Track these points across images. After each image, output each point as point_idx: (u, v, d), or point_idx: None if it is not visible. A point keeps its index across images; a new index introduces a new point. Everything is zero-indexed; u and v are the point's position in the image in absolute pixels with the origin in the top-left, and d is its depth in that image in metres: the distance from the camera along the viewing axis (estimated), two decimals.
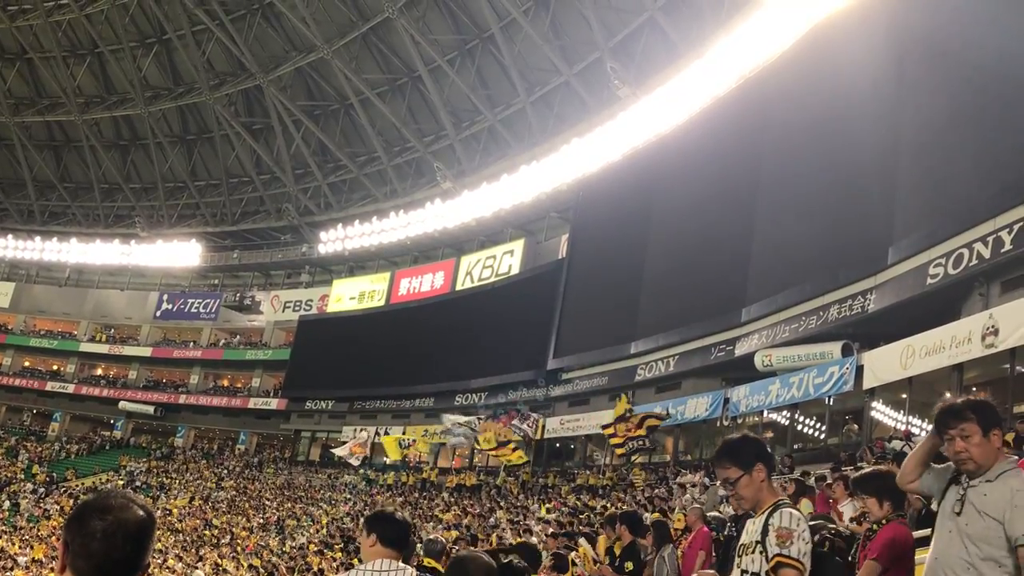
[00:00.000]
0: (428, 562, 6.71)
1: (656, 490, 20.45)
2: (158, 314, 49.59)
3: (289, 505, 33.47)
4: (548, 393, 31.04)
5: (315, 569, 23.58)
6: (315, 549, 26.00)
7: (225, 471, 40.21)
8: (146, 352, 48.12)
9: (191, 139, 48.77)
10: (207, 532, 31.91)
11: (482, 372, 33.68)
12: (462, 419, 30.01)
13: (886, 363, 17.81)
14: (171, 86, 46.81)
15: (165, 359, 48.32)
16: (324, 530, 28.77)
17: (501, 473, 29.49)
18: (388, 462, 34.72)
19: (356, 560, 18.31)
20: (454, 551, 10.31)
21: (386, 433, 34.68)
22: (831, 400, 20.17)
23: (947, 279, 16.66)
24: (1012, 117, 16.01)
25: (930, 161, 17.96)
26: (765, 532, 3.41)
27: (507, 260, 36.73)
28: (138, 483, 39.03)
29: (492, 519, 22.88)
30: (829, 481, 11.19)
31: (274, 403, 43.17)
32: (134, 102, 46.99)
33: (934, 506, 3.76)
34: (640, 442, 22.98)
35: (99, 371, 50.19)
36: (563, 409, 30.34)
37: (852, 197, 19.73)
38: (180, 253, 48.60)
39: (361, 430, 37.14)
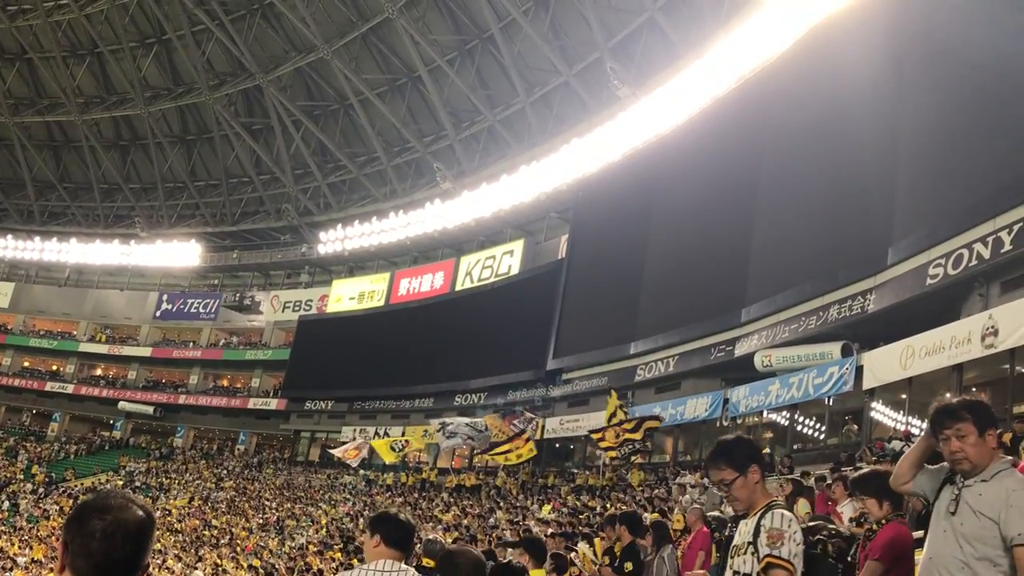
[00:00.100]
0: (427, 562, 6.70)
1: (655, 490, 20.46)
2: (158, 314, 49.59)
3: (289, 505, 33.46)
4: (548, 393, 31.04)
5: (314, 569, 23.57)
6: (314, 549, 26.00)
7: (225, 471, 40.20)
8: (146, 352, 48.13)
9: (191, 139, 48.78)
10: (206, 532, 31.90)
11: (482, 372, 33.69)
12: (465, 420, 29.93)
13: (886, 363, 17.81)
14: (171, 86, 46.83)
15: (165, 359, 48.33)
16: (324, 530, 28.75)
17: (500, 473, 29.48)
18: (388, 463, 34.69)
19: (355, 560, 18.31)
20: None
21: (385, 434, 34.64)
22: (831, 400, 20.18)
23: (947, 279, 16.66)
24: (1011, 117, 16.01)
25: (929, 161, 17.97)
26: (757, 533, 3.43)
27: (507, 260, 36.74)
28: (137, 483, 39.01)
29: (492, 519, 22.89)
30: (829, 482, 11.18)
31: (274, 403, 43.17)
32: (134, 102, 47.00)
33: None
34: (635, 445, 23.03)
35: (98, 371, 50.19)
36: (563, 409, 30.34)
37: (852, 197, 19.73)
38: (180, 253, 48.61)
39: (361, 430, 37.15)
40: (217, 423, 45.74)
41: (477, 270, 37.87)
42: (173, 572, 27.72)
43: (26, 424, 49.19)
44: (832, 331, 19.77)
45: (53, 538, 31.76)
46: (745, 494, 3.54)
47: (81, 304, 51.22)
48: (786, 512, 3.47)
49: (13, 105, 49.85)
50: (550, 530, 15.84)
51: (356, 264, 45.15)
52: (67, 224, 52.88)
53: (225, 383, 47.74)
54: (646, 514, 13.71)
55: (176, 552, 29.60)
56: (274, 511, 33.05)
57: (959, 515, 3.23)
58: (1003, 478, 3.21)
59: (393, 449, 30.80)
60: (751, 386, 21.93)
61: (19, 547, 32.53)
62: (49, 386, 48.43)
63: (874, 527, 4.93)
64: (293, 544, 28.24)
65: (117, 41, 45.55)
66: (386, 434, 35.25)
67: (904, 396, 18.23)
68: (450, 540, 17.56)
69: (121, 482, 39.46)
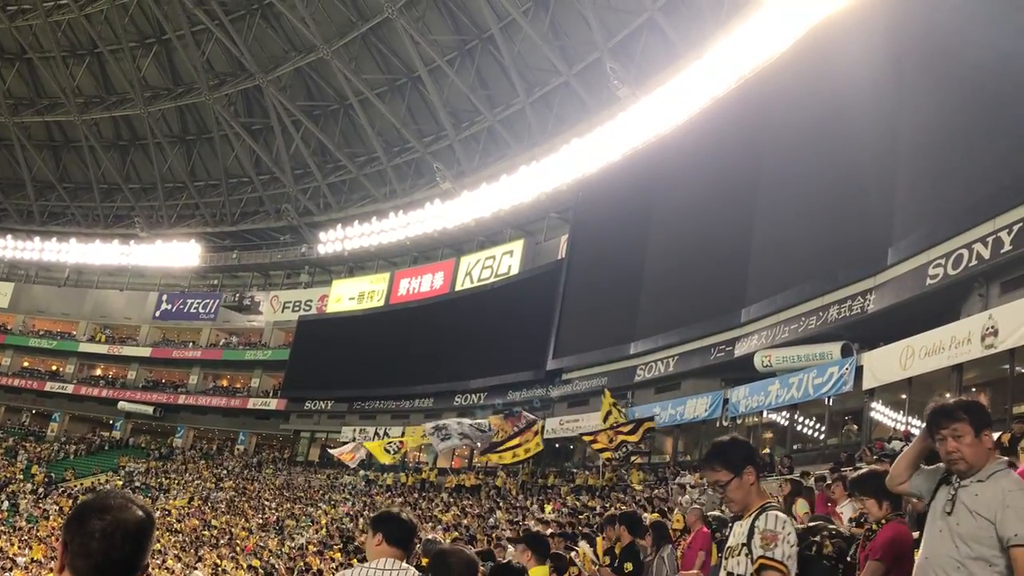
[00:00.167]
0: (426, 562, 6.70)
1: (655, 490, 20.46)
2: (157, 314, 49.59)
3: (288, 505, 33.46)
4: (547, 393, 31.04)
5: (314, 569, 23.56)
6: (314, 549, 25.99)
7: (224, 471, 40.20)
8: (145, 352, 48.12)
9: (190, 139, 48.79)
10: (206, 532, 31.89)
11: (482, 372, 33.69)
12: (468, 421, 29.89)
13: (886, 364, 17.81)
14: (170, 86, 46.82)
15: (164, 359, 48.33)
16: (323, 530, 28.75)
17: (500, 473, 29.47)
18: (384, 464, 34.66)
19: (355, 560, 18.31)
20: None
21: (385, 435, 34.61)
22: (831, 401, 20.18)
23: (947, 280, 16.66)
24: (1011, 117, 16.01)
25: (929, 161, 17.98)
26: (751, 535, 3.43)
27: (506, 260, 36.74)
28: (137, 483, 39.01)
29: (491, 520, 22.88)
30: (828, 482, 11.17)
31: (273, 403, 43.17)
32: (133, 102, 46.99)
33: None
34: (629, 447, 23.10)
35: (98, 371, 50.18)
36: (562, 410, 30.33)
37: (851, 197, 19.74)
38: (179, 253, 48.61)
39: (361, 430, 37.12)
40: (217, 423, 45.74)
41: (477, 270, 37.87)
42: (173, 572, 27.71)
43: (26, 424, 49.18)
44: (832, 331, 19.78)
45: (52, 538, 31.74)
46: (740, 495, 3.54)
47: (81, 304, 51.21)
48: (780, 514, 3.47)
49: (13, 105, 49.85)
50: (550, 530, 15.84)
51: (356, 264, 45.15)
52: (67, 224, 52.88)
53: (225, 383, 47.74)
54: (646, 514, 13.70)
55: (176, 552, 29.59)
56: (274, 511, 33.04)
57: (955, 515, 3.24)
58: (999, 479, 3.23)
59: (387, 451, 30.74)
60: (751, 386, 21.94)
61: (19, 547, 32.52)
62: (49, 386, 48.43)
63: (874, 527, 4.93)
64: (293, 544, 28.24)
65: (117, 41, 45.54)
66: (385, 434, 35.23)
67: (904, 396, 18.23)
68: (449, 540, 17.56)
69: (121, 482, 39.46)
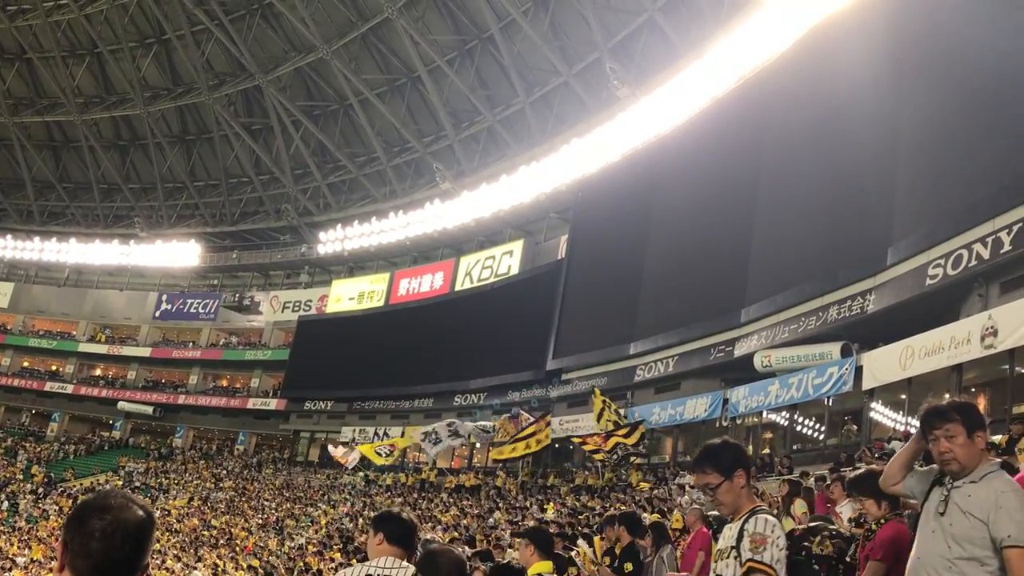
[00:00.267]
0: None
1: (655, 491, 20.45)
2: (157, 314, 49.59)
3: (288, 505, 33.45)
4: (547, 394, 31.03)
5: (314, 570, 23.55)
6: (314, 550, 25.98)
7: (224, 471, 40.20)
8: (145, 352, 48.12)
9: (190, 139, 48.78)
10: (206, 533, 31.89)
11: (481, 372, 33.69)
12: (471, 424, 29.88)
13: (885, 364, 17.82)
14: (170, 86, 46.83)
15: (164, 359, 48.32)
16: (323, 530, 28.74)
17: (500, 473, 29.49)
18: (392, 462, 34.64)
19: (354, 560, 18.30)
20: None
21: (385, 435, 34.60)
22: (830, 401, 20.18)
23: (946, 280, 16.66)
24: (1011, 117, 16.01)
25: (929, 161, 17.98)
26: (740, 538, 3.44)
27: (506, 261, 36.74)
28: (137, 483, 39.00)
29: (491, 520, 22.88)
30: (828, 482, 11.17)
31: (273, 403, 43.17)
32: (133, 102, 47.00)
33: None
34: (624, 449, 23.12)
35: (98, 371, 50.18)
36: (562, 410, 30.31)
37: (851, 197, 19.74)
38: (179, 253, 48.61)
39: (361, 431, 37.10)
40: (216, 423, 45.75)
41: (477, 270, 37.87)
42: (172, 572, 27.70)
43: (25, 424, 49.17)
44: (832, 331, 19.78)
45: (52, 538, 31.75)
46: (730, 499, 3.55)
47: (80, 304, 51.21)
48: (770, 517, 3.48)
49: (13, 105, 49.84)
50: (551, 530, 15.83)
51: (356, 264, 45.15)
52: (66, 224, 52.88)
53: (224, 383, 47.74)
54: (645, 514, 13.71)
55: (175, 552, 29.58)
56: (273, 511, 33.04)
57: (948, 515, 3.27)
58: (992, 480, 3.25)
59: (379, 454, 30.74)
60: (751, 386, 21.94)
61: (18, 547, 32.51)
62: (48, 386, 48.42)
63: (873, 527, 4.93)
64: (292, 544, 28.23)
65: (117, 41, 45.55)
66: (385, 435, 35.26)
67: (904, 396, 18.23)
68: (447, 540, 17.56)
69: (120, 482, 39.46)
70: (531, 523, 18.74)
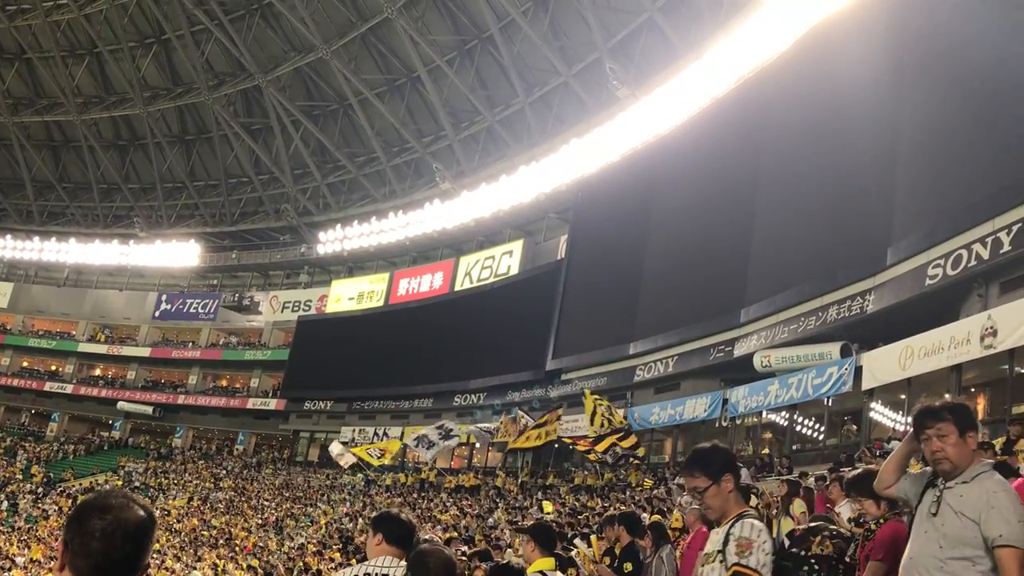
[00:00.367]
0: None
1: (655, 490, 20.45)
2: (157, 314, 49.59)
3: (288, 505, 33.45)
4: (547, 394, 31.02)
5: (313, 570, 23.55)
6: (313, 549, 25.98)
7: (224, 471, 40.19)
8: (145, 352, 48.12)
9: (190, 139, 48.78)
10: (205, 532, 31.88)
11: (481, 372, 33.69)
12: (473, 427, 29.85)
13: (885, 364, 17.82)
14: (170, 86, 46.82)
15: (164, 359, 48.32)
16: (323, 530, 28.75)
17: (500, 473, 29.50)
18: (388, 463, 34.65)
19: (354, 560, 18.29)
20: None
21: (385, 435, 34.58)
22: (830, 401, 20.17)
23: (946, 280, 16.66)
24: (1011, 117, 16.01)
25: (929, 161, 17.98)
26: (726, 542, 3.45)
27: (506, 261, 36.74)
28: (136, 483, 38.99)
29: (491, 520, 22.88)
30: (827, 482, 11.17)
31: (273, 403, 43.17)
32: (133, 102, 46.99)
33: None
34: (620, 451, 23.11)
35: (98, 371, 50.19)
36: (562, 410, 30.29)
37: (851, 197, 19.74)
38: (179, 253, 48.61)
39: (361, 431, 37.07)
40: (216, 423, 45.75)
41: (476, 270, 37.87)
42: (172, 572, 27.69)
43: (25, 424, 49.17)
44: (831, 331, 19.78)
45: (52, 538, 31.74)
46: (718, 503, 3.56)
47: (80, 304, 51.21)
48: (756, 522, 3.49)
49: (12, 105, 49.83)
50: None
51: (355, 264, 45.14)
52: (66, 224, 52.87)
53: (224, 383, 47.74)
54: (645, 514, 13.70)
55: (175, 552, 29.58)
56: (273, 511, 33.04)
57: (940, 516, 3.29)
58: (983, 480, 3.28)
59: (371, 455, 30.73)
60: (750, 386, 21.94)
61: (18, 547, 32.49)
62: (48, 386, 48.43)
63: (872, 527, 4.94)
64: (292, 544, 28.23)
65: (116, 41, 45.54)
66: (385, 435, 35.26)
67: (903, 396, 18.23)
68: (446, 540, 17.54)
69: (120, 482, 39.45)
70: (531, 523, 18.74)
